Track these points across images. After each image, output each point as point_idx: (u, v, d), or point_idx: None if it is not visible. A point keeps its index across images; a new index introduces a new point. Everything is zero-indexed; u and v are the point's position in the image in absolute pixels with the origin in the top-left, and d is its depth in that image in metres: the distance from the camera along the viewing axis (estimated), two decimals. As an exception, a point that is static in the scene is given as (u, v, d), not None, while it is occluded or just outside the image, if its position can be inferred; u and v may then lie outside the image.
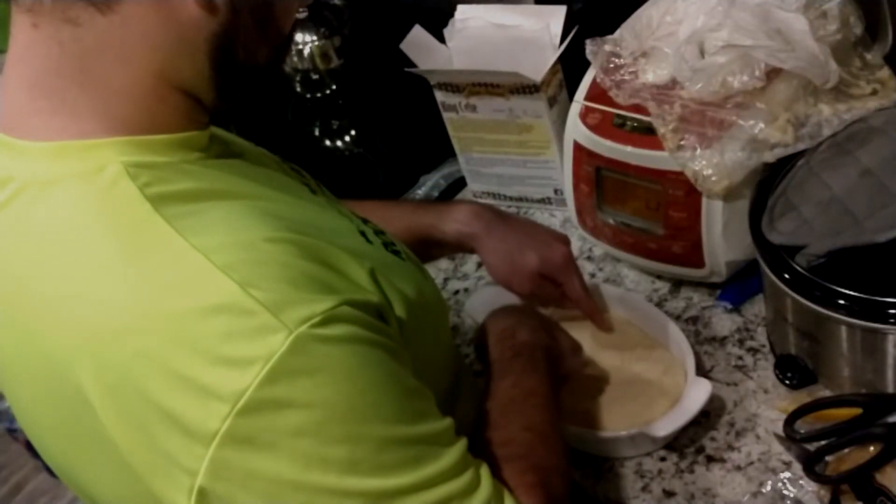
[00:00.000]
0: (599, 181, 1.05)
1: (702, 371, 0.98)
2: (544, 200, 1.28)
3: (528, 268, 0.92)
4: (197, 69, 0.60)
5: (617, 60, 1.04)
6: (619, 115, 1.01)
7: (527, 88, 1.16)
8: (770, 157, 0.92)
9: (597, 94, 1.04)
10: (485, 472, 0.62)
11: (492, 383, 0.78)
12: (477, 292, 1.10)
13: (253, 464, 0.53)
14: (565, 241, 0.95)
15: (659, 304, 1.07)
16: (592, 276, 1.16)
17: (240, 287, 0.52)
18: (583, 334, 0.97)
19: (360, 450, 0.54)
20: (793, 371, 0.92)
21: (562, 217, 1.26)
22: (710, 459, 0.91)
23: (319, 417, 0.53)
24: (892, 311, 0.80)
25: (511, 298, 1.06)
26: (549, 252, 0.92)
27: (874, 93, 0.95)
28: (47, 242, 0.57)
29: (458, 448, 0.60)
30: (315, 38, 1.35)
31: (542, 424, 0.74)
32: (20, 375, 0.62)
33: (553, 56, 1.16)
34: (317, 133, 1.43)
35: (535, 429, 0.73)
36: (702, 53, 0.97)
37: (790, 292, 0.85)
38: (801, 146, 0.92)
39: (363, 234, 0.65)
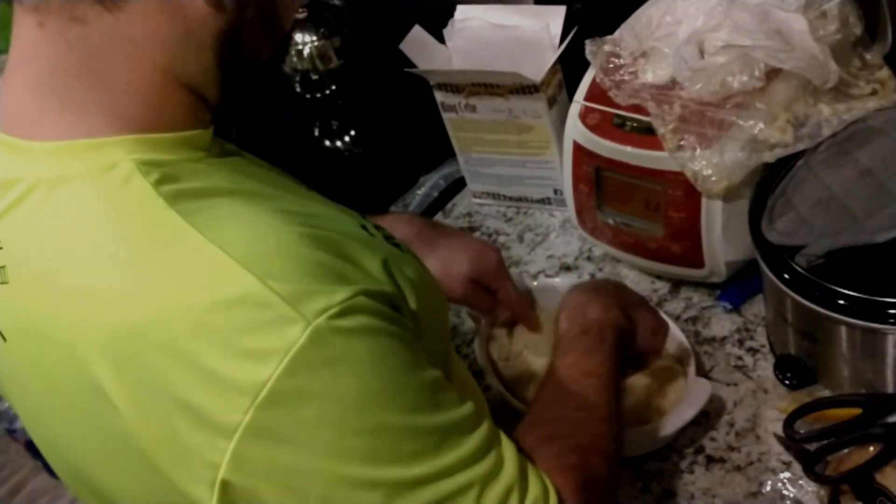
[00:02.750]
0: (599, 181, 1.05)
1: (702, 371, 0.98)
2: (544, 200, 1.28)
3: (459, 272, 0.92)
4: (203, 66, 0.60)
5: (616, 60, 1.04)
6: (618, 116, 1.01)
7: (526, 89, 1.16)
8: (770, 157, 0.92)
9: (596, 94, 1.04)
10: (509, 452, 0.61)
11: (554, 360, 0.78)
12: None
13: (275, 455, 0.53)
14: (496, 249, 0.95)
15: (659, 304, 1.07)
16: (592, 275, 1.16)
17: (258, 279, 0.52)
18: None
19: (380, 440, 0.54)
20: (793, 371, 0.92)
21: (562, 217, 1.26)
22: (710, 459, 0.91)
23: (339, 408, 0.53)
24: (891, 311, 0.80)
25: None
26: (481, 258, 0.92)
27: (874, 93, 0.95)
28: (61, 241, 0.56)
29: (481, 432, 0.60)
30: (315, 38, 1.35)
31: (596, 406, 0.73)
32: (37, 379, 0.62)
33: (553, 56, 1.16)
34: (317, 133, 1.43)
35: (587, 409, 0.72)
36: (701, 53, 0.97)
37: (790, 292, 0.85)
38: (800, 146, 0.92)
39: (364, 227, 0.66)
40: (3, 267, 0.59)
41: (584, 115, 1.04)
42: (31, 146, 0.58)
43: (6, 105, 0.60)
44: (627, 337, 0.82)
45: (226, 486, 0.53)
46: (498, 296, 0.95)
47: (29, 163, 0.58)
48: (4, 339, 0.62)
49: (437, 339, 0.71)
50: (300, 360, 0.52)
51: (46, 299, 0.57)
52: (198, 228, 0.54)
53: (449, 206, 1.36)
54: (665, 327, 0.88)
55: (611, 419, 0.73)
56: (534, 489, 0.61)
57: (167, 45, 0.58)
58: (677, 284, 1.10)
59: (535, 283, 1.07)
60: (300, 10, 1.31)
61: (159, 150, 0.58)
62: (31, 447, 1.49)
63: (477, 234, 1.29)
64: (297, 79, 1.38)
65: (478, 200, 1.34)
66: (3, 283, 0.59)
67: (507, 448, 0.62)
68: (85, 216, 0.56)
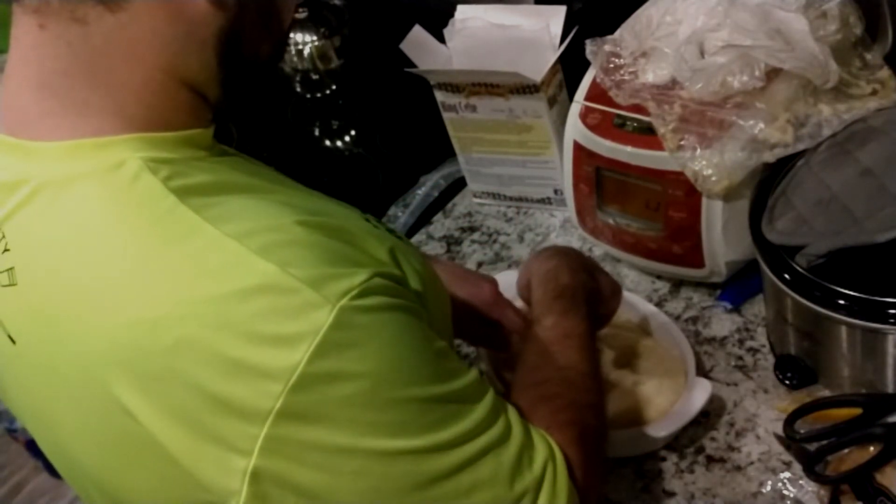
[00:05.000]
0: (599, 181, 1.05)
1: (702, 371, 0.98)
2: (544, 200, 1.28)
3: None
4: (204, 65, 0.60)
5: (617, 60, 1.04)
6: (619, 115, 1.01)
7: (527, 88, 1.16)
8: (770, 157, 0.92)
9: (597, 94, 1.04)
10: (514, 416, 0.64)
11: (533, 324, 0.81)
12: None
13: (308, 437, 0.53)
14: (490, 280, 0.92)
15: (659, 304, 1.07)
16: (592, 276, 1.16)
17: (278, 267, 0.53)
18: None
19: (407, 412, 0.56)
20: (793, 371, 0.92)
21: (562, 217, 1.26)
22: (710, 459, 0.91)
23: (368, 385, 0.54)
24: (892, 311, 0.80)
25: (509, 297, 1.05)
26: (476, 290, 0.90)
27: (874, 93, 0.95)
28: (73, 241, 0.56)
29: (489, 398, 0.62)
30: (315, 38, 1.35)
31: (580, 364, 0.76)
32: (47, 381, 0.61)
33: (553, 56, 1.16)
34: (317, 133, 1.44)
35: (572, 368, 0.75)
36: (702, 53, 0.97)
37: (790, 292, 0.85)
38: (800, 146, 0.92)
39: (367, 220, 0.67)
40: (11, 269, 0.59)
41: (585, 115, 1.04)
42: (36, 147, 0.58)
43: (7, 107, 0.60)
44: (595, 297, 0.85)
45: (257, 474, 0.54)
46: (504, 325, 0.91)
47: (34, 163, 0.58)
48: (13, 342, 0.61)
49: (440, 332, 0.71)
50: (328, 342, 0.53)
51: (58, 300, 0.57)
52: (211, 222, 0.54)
53: (449, 205, 1.36)
54: (619, 288, 0.91)
55: (593, 374, 0.77)
56: (541, 448, 0.64)
57: (169, 44, 0.58)
58: (677, 284, 1.10)
59: None
60: (300, 10, 1.31)
61: (164, 149, 0.58)
62: (31, 447, 1.49)
63: (477, 233, 1.29)
64: (298, 79, 1.39)
65: (478, 200, 1.34)
66: (11, 284, 0.59)
67: (512, 412, 0.64)
68: (96, 215, 0.56)
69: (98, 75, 0.58)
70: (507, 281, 1.08)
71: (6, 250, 0.59)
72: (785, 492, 0.86)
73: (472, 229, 1.30)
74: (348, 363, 0.54)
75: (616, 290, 0.91)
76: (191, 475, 0.56)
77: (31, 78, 0.58)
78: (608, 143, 1.00)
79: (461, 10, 1.23)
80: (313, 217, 0.58)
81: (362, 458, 0.55)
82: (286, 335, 0.52)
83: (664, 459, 0.92)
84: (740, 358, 0.99)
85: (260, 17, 0.62)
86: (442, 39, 1.23)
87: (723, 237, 0.98)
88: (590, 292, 0.84)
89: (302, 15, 1.37)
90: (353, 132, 1.43)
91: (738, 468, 0.89)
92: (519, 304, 1.03)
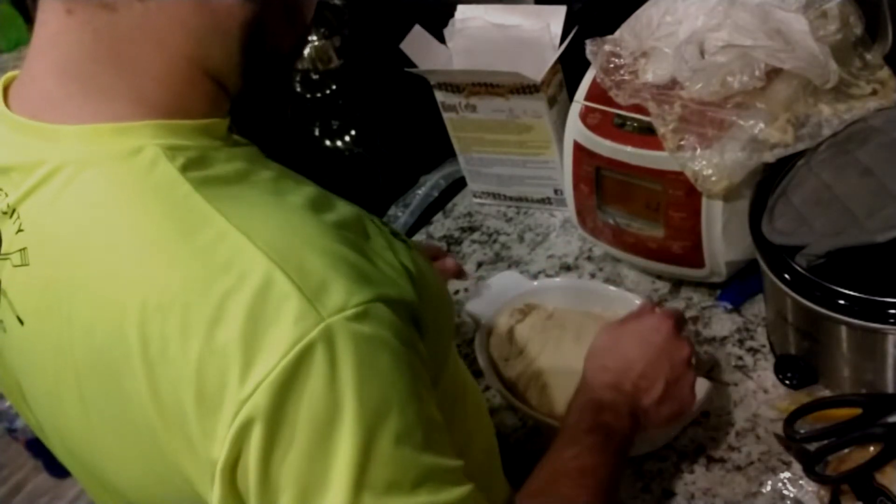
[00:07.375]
0: (599, 181, 1.05)
1: (702, 371, 0.98)
2: (544, 200, 1.28)
3: None
4: (227, 55, 0.61)
5: (617, 60, 1.04)
6: (619, 115, 1.01)
7: (527, 88, 1.16)
8: (770, 157, 0.92)
9: (597, 94, 1.04)
10: None
11: (554, 447, 0.77)
12: (477, 292, 1.10)
13: (266, 448, 0.53)
14: None
15: (659, 304, 1.07)
16: (592, 275, 1.16)
17: (281, 269, 0.53)
18: (587, 333, 0.96)
19: (361, 456, 0.53)
20: (793, 371, 0.92)
21: (562, 217, 1.26)
22: (710, 459, 0.91)
23: (333, 412, 0.53)
24: (892, 311, 0.80)
25: (509, 298, 1.06)
26: None
27: (874, 93, 0.95)
28: (87, 223, 0.57)
29: (462, 491, 0.58)
30: (315, 38, 1.35)
31: None
32: (53, 361, 0.61)
33: (553, 56, 1.16)
34: (317, 133, 1.43)
35: None
36: (702, 53, 0.97)
37: (790, 292, 0.85)
38: (801, 146, 0.92)
39: (373, 221, 0.66)
40: (24, 249, 0.60)
41: (585, 115, 1.04)
42: (55, 129, 0.58)
43: (29, 90, 0.61)
44: (634, 435, 0.81)
45: (226, 471, 0.54)
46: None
47: (52, 145, 0.58)
48: (21, 323, 0.62)
49: (442, 334, 0.71)
50: (306, 356, 0.52)
51: (68, 280, 0.58)
52: (224, 214, 0.55)
53: (449, 205, 1.36)
54: (685, 411, 0.85)
55: None
56: None
57: (194, 34, 0.59)
58: (677, 284, 1.10)
59: (535, 283, 1.08)
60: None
61: (182, 136, 0.59)
62: (31, 447, 1.49)
63: (477, 233, 1.29)
64: (298, 79, 1.38)
65: (478, 200, 1.34)
66: (23, 265, 0.60)
67: None
68: (112, 199, 0.56)
69: (123, 62, 0.58)
70: (507, 281, 1.08)
71: (20, 231, 0.60)
72: (785, 492, 0.86)
73: (472, 229, 1.30)
74: (320, 382, 0.52)
75: (675, 415, 0.84)
76: (175, 466, 0.56)
77: (56, 62, 0.59)
78: (608, 143, 1.00)
79: (461, 10, 1.23)
80: (328, 219, 0.58)
81: (301, 486, 0.53)
82: (270, 339, 0.52)
83: (664, 459, 0.92)
84: (740, 358, 0.99)
85: (284, 10, 0.63)
86: (442, 39, 1.23)
87: (723, 237, 0.98)
88: (629, 437, 0.79)
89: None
90: (353, 132, 1.43)
91: (738, 468, 0.89)
92: (518, 305, 1.04)
